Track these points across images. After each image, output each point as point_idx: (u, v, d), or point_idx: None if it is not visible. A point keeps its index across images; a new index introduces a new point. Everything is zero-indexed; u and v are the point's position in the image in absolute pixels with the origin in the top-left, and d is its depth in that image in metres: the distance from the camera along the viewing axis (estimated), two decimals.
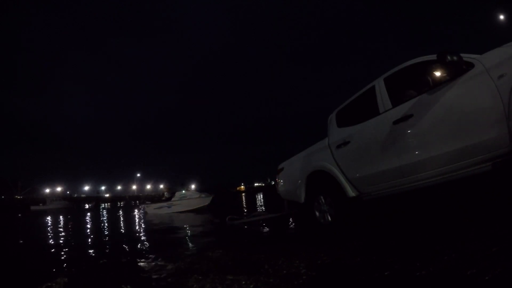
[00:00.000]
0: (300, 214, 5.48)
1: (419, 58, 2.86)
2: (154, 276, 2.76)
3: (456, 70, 2.43)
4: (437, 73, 2.66)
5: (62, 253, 5.03)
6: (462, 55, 2.43)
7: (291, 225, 5.85)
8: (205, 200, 19.32)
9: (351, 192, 3.44)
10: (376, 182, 3.15)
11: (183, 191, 19.89)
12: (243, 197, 40.43)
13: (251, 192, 79.79)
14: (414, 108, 2.73)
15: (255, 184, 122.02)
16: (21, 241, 7.78)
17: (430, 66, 2.72)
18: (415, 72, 2.94)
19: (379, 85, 3.24)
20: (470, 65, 2.38)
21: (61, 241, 7.10)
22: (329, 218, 3.81)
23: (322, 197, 3.96)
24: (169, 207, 18.79)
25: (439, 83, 2.57)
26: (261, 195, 41.15)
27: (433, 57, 2.64)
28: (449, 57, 2.35)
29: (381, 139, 3.03)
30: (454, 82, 2.45)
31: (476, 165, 2.30)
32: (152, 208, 19.18)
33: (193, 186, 30.81)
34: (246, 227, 6.39)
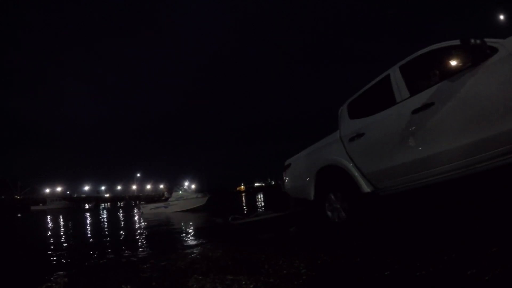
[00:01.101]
0: (309, 212, 5.23)
1: (438, 44, 2.70)
2: (154, 276, 2.76)
3: (480, 55, 2.30)
4: (459, 59, 2.55)
5: (62, 253, 5.03)
6: (485, 39, 2.30)
7: (297, 225, 5.79)
8: (202, 200, 19.38)
9: (366, 188, 3.21)
10: (393, 176, 2.94)
11: (180, 191, 19.93)
12: (243, 197, 40.42)
13: (251, 192, 79.82)
14: (435, 96, 2.56)
15: (255, 184, 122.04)
16: (21, 241, 7.78)
17: (450, 52, 2.60)
18: (434, 59, 2.79)
19: (395, 73, 3.07)
20: (494, 50, 2.28)
21: (61, 241, 7.10)
22: (342, 216, 3.57)
23: (333, 194, 3.73)
24: (166, 207, 18.84)
25: (461, 69, 2.44)
26: (261, 195, 41.13)
27: (453, 42, 2.54)
28: (472, 41, 2.24)
29: (399, 129, 2.83)
30: (478, 68, 2.32)
31: (504, 155, 2.15)
32: (148, 208, 19.20)
33: (193, 186, 30.81)
34: (249, 227, 6.36)
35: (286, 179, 4.98)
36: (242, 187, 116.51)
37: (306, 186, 4.16)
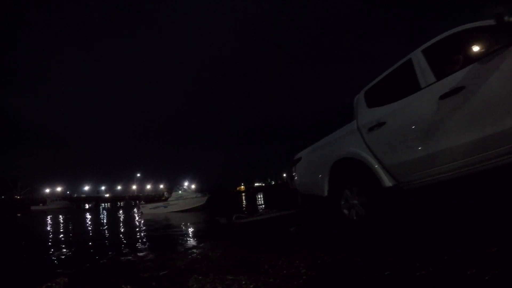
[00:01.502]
0: (320, 210, 4.99)
1: (465, 25, 2.54)
2: (154, 276, 2.76)
3: None
4: (491, 39, 2.39)
5: (62, 253, 5.04)
6: None
7: (305, 223, 5.59)
8: (201, 200, 19.43)
9: (388, 182, 2.96)
10: (419, 168, 2.71)
11: (180, 191, 19.96)
12: (243, 197, 40.42)
13: (251, 192, 79.84)
14: (465, 79, 2.38)
15: (255, 184, 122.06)
16: (22, 241, 7.78)
17: (480, 32, 2.44)
18: (461, 41, 2.62)
19: (417, 57, 2.87)
20: None
21: (61, 241, 7.10)
22: (360, 213, 3.32)
23: (350, 189, 3.46)
24: (165, 206, 18.87)
25: (495, 50, 2.28)
26: (261, 195, 41.13)
27: (482, 23, 2.40)
28: (506, 19, 2.10)
29: (426, 117, 2.62)
30: None
31: None
32: (148, 208, 19.23)
33: (193, 186, 30.83)
34: (253, 226, 6.27)
35: (296, 175, 4.62)
36: (242, 187, 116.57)
37: (319, 181, 3.86)
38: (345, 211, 3.52)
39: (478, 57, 2.38)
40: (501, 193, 2.69)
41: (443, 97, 2.50)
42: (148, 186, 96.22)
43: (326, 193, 3.77)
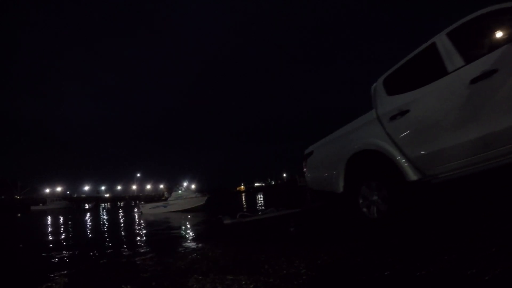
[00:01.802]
0: (335, 207, 4.64)
1: (493, 6, 2.41)
2: (154, 276, 2.76)
3: None
4: None
5: (62, 253, 5.04)
6: None
7: (315, 221, 5.31)
8: (201, 200, 19.46)
9: (412, 175, 2.72)
10: (448, 159, 2.50)
11: (180, 191, 19.99)
12: (243, 197, 40.43)
13: (251, 192, 79.83)
14: (498, 62, 2.24)
15: (255, 184, 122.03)
16: (22, 241, 7.78)
17: (510, 14, 2.32)
18: (490, 22, 2.48)
19: (442, 41, 2.70)
20: None
21: (61, 241, 7.10)
22: (380, 210, 3.08)
23: (369, 184, 3.20)
24: (165, 206, 18.90)
25: None
26: (261, 195, 41.14)
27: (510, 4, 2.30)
28: None
29: (455, 103, 2.44)
30: None
31: None
32: (147, 208, 19.25)
33: (193, 186, 30.85)
34: (257, 225, 6.12)
35: (307, 170, 4.29)
36: (242, 187, 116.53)
37: (334, 177, 3.58)
38: (364, 209, 3.26)
39: (510, 39, 2.25)
40: None
41: (474, 81, 2.34)
42: (148, 186, 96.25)
43: (341, 189, 3.48)
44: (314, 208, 5.39)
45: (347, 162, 3.38)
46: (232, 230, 5.94)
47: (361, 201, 3.31)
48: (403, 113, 2.84)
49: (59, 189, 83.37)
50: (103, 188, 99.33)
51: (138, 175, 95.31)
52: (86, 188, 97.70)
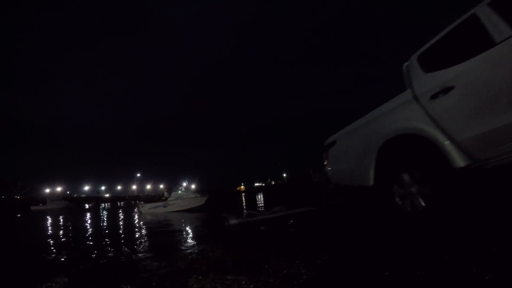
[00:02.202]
0: (363, 202, 4.17)
1: None
2: (154, 276, 2.76)
3: None
4: None
5: (62, 253, 5.03)
6: None
7: (333, 220, 4.98)
8: (200, 200, 19.49)
9: (460, 161, 2.40)
10: (503, 140, 2.22)
11: (179, 191, 20.01)
12: (243, 197, 40.44)
13: (251, 192, 79.85)
14: None
15: (255, 184, 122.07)
16: (21, 241, 7.78)
17: None
18: None
19: (484, 12, 2.50)
20: None
21: (61, 241, 7.10)
22: (420, 203, 2.74)
23: (406, 174, 2.86)
24: (164, 206, 18.92)
25: None
26: (261, 195, 41.15)
27: None
28: None
29: (508, 75, 2.23)
30: None
31: None
32: (147, 208, 19.27)
33: (192, 186, 30.88)
34: (263, 225, 5.88)
35: (328, 162, 3.89)
36: (242, 187, 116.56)
37: (362, 168, 3.23)
38: (399, 202, 2.92)
39: None
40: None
41: None
42: (148, 186, 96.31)
43: (371, 182, 3.12)
44: (332, 205, 5.00)
45: (379, 150, 3.01)
46: (234, 230, 5.67)
47: (396, 194, 2.94)
48: (446, 90, 2.53)
49: (59, 189, 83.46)
50: (103, 188, 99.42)
51: (138, 175, 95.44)
52: (86, 188, 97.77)
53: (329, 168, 3.93)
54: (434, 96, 2.62)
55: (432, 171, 2.62)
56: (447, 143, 2.46)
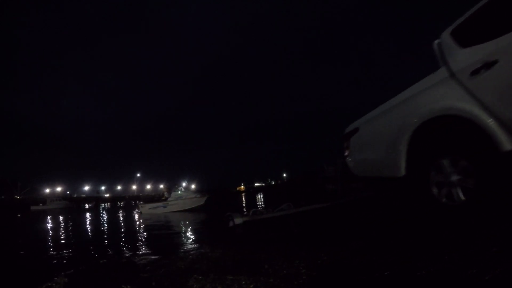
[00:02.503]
0: (391, 195, 3.74)
1: None
2: (154, 276, 2.76)
3: None
4: None
5: (62, 253, 5.03)
6: None
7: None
8: (200, 200, 19.52)
9: (507, 143, 2.15)
10: None
11: (179, 191, 20.05)
12: (243, 197, 40.45)
13: (251, 192, 79.88)
14: None
15: (255, 184, 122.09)
16: (21, 241, 7.78)
17: None
18: None
19: None
20: None
21: (61, 241, 7.10)
22: (463, 193, 2.43)
23: (445, 161, 2.54)
24: (164, 206, 18.95)
25: None
26: (261, 195, 41.17)
27: None
28: None
29: None
30: None
31: None
32: (147, 208, 19.29)
33: (192, 186, 30.91)
34: (268, 224, 5.49)
35: (350, 153, 3.55)
36: (242, 187, 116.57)
37: (391, 156, 2.91)
38: (437, 194, 2.64)
39: None
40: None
41: None
42: (148, 186, 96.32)
43: (402, 172, 2.79)
44: (350, 201, 4.56)
45: (412, 135, 2.70)
46: (240, 231, 5.29)
47: (433, 184, 2.65)
48: (489, 64, 2.29)
49: (59, 189, 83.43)
50: (103, 188, 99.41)
51: (138, 175, 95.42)
52: (86, 188, 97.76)
53: (350, 159, 3.53)
54: (475, 72, 2.36)
55: (476, 156, 2.32)
56: (492, 123, 2.19)
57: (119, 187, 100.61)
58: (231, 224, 5.52)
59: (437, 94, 2.59)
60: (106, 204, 56.70)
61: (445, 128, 2.52)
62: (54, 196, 60.85)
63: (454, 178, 2.46)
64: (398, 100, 2.96)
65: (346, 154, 3.59)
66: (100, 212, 23.91)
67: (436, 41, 2.89)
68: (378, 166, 3.14)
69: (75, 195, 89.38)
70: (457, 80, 2.47)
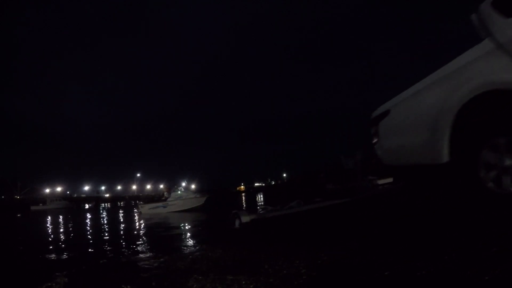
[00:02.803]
0: (427, 186, 3.31)
1: None
2: (154, 276, 2.75)
3: None
4: None
5: (62, 253, 5.03)
6: None
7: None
8: (200, 200, 19.53)
9: None
10: None
11: (179, 192, 20.05)
12: (243, 197, 40.46)
13: (251, 192, 79.88)
14: None
15: (255, 184, 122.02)
16: (22, 241, 7.78)
17: None
18: None
19: None
20: None
21: (61, 241, 7.10)
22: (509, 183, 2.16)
23: (498, 143, 2.26)
24: (164, 207, 18.95)
25: None
26: (261, 195, 41.18)
27: None
28: None
29: None
30: None
31: None
32: (147, 208, 19.28)
33: (192, 186, 30.93)
34: (279, 223, 5.07)
35: (380, 138, 3.21)
36: (242, 187, 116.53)
37: (432, 139, 2.56)
38: (489, 182, 2.30)
39: None
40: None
41: None
42: (148, 186, 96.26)
43: (445, 158, 2.44)
44: (375, 196, 4.16)
45: (457, 115, 2.38)
46: (247, 231, 4.87)
47: (483, 170, 2.35)
48: None
49: (59, 189, 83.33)
50: (103, 188, 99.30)
51: (138, 175, 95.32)
52: (86, 188, 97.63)
53: (380, 147, 3.14)
54: None
55: None
56: None
57: (119, 187, 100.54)
58: (237, 222, 5.10)
59: (483, 68, 2.30)
60: (106, 204, 56.71)
61: (493, 106, 2.23)
62: (54, 196, 60.81)
63: (508, 162, 2.13)
64: (438, 76, 2.60)
65: (374, 141, 3.17)
66: (100, 212, 23.91)
67: (474, 14, 2.61)
68: (415, 152, 2.74)
69: (75, 195, 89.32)
70: (506, 51, 2.20)
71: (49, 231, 10.49)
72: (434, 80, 2.64)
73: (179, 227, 9.08)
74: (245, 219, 5.09)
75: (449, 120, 2.37)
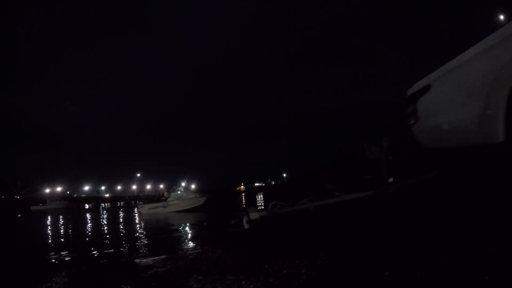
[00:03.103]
0: (476, 172, 3.05)
1: None
2: (154, 276, 2.76)
3: None
4: None
5: (62, 253, 5.04)
6: None
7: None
8: (200, 200, 19.54)
9: None
10: None
11: (179, 192, 20.05)
12: (243, 197, 40.46)
13: (251, 192, 79.80)
14: None
15: (256, 184, 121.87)
16: (22, 241, 7.78)
17: None
18: None
19: None
20: None
21: (61, 241, 7.11)
22: None
23: None
24: (164, 207, 18.94)
25: None
26: (261, 195, 41.17)
27: None
28: None
29: None
30: None
31: None
32: (147, 208, 19.27)
33: (192, 186, 30.92)
34: (291, 220, 4.80)
35: (420, 117, 2.72)
36: (242, 187, 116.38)
37: (482, 116, 1.95)
38: None
39: None
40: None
41: None
42: (148, 186, 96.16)
43: (500, 137, 1.90)
44: (405, 187, 3.60)
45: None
46: (253, 229, 4.58)
47: None
48: None
49: (59, 189, 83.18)
50: (103, 188, 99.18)
51: (138, 175, 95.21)
52: (86, 188, 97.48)
53: (419, 127, 2.73)
54: None
55: None
56: None
57: (119, 187, 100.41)
58: (245, 220, 4.72)
59: None
60: (106, 204, 56.72)
61: None
62: (54, 196, 60.73)
63: None
64: (491, 42, 2.37)
65: (411, 122, 2.76)
66: (100, 212, 23.92)
67: None
68: (463, 132, 2.38)
69: (75, 195, 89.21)
70: None
71: (49, 231, 10.50)
72: (484, 48, 2.25)
73: (179, 227, 9.08)
74: (254, 216, 4.72)
75: (505, 92, 2.00)
